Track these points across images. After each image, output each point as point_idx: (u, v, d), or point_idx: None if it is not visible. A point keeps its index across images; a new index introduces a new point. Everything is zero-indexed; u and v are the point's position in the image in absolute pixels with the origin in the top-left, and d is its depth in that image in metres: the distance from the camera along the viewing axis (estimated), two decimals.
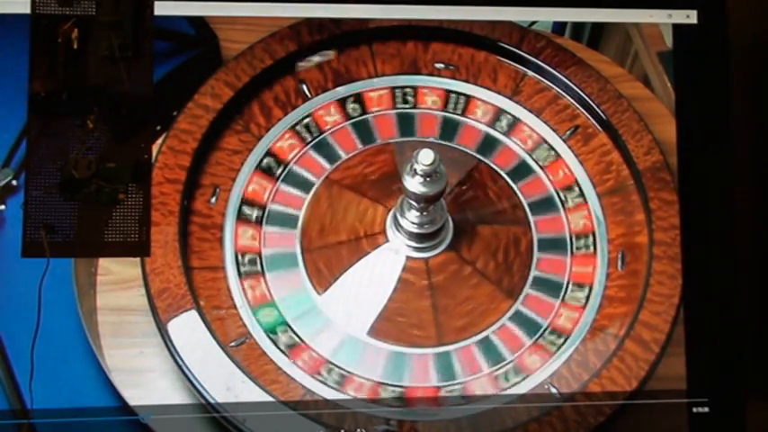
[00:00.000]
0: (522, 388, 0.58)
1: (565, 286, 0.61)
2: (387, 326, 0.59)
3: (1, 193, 0.58)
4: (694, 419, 0.59)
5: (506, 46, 0.64)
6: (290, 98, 0.63)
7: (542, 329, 0.60)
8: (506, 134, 0.64)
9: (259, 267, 0.59)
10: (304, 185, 0.61)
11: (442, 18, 0.63)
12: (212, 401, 0.56)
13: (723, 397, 0.59)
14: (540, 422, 0.58)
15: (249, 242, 0.60)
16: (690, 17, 0.64)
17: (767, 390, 0.62)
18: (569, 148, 0.63)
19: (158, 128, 0.60)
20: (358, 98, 0.63)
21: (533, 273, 0.61)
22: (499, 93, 0.64)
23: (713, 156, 0.63)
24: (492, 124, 0.64)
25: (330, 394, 0.57)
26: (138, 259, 0.58)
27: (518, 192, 0.62)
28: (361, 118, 0.63)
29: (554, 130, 0.64)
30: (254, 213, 0.60)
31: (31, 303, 0.57)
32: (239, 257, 0.59)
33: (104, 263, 0.58)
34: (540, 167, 0.63)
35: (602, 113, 0.63)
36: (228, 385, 0.57)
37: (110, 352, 0.57)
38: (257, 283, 0.59)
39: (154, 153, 0.60)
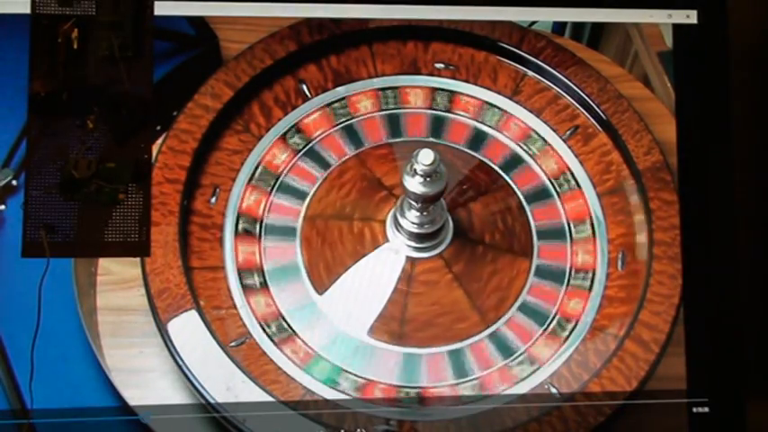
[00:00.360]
0: (540, 375, 0.59)
1: (567, 227, 0.61)
2: (434, 330, 0.59)
3: (1, 193, 0.58)
4: (694, 419, 0.59)
5: (506, 46, 0.64)
6: (290, 98, 0.63)
7: (568, 274, 0.60)
8: (449, 111, 0.64)
9: (289, 329, 0.59)
10: (287, 231, 0.61)
11: (442, 18, 0.63)
12: (212, 401, 0.56)
13: (723, 397, 0.59)
14: (540, 422, 0.58)
15: (266, 310, 0.59)
16: (690, 17, 0.64)
17: (767, 390, 0.62)
18: (569, 148, 0.63)
19: (158, 128, 0.60)
20: (299, 128, 0.63)
21: (534, 227, 0.61)
22: (499, 93, 0.64)
23: (713, 156, 0.63)
24: (430, 106, 0.64)
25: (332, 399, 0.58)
26: (138, 259, 0.58)
27: (484, 158, 0.63)
28: (309, 146, 0.63)
29: (554, 130, 0.64)
30: (256, 281, 0.60)
31: (31, 303, 0.57)
32: (265, 326, 0.59)
33: (104, 263, 0.58)
34: (495, 129, 0.63)
35: (602, 113, 0.63)
36: (228, 385, 0.57)
37: (110, 352, 0.57)
38: (294, 344, 0.59)
39: (154, 153, 0.60)
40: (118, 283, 0.58)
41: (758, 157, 0.66)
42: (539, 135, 0.63)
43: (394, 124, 0.63)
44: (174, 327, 0.57)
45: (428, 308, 0.60)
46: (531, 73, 0.64)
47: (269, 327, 0.59)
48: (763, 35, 0.67)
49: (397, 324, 0.59)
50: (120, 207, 0.58)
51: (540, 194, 0.62)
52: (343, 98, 0.63)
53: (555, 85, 0.64)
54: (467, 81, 0.64)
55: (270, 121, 0.62)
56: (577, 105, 0.64)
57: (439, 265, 0.61)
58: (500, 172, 0.63)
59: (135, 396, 0.56)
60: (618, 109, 0.63)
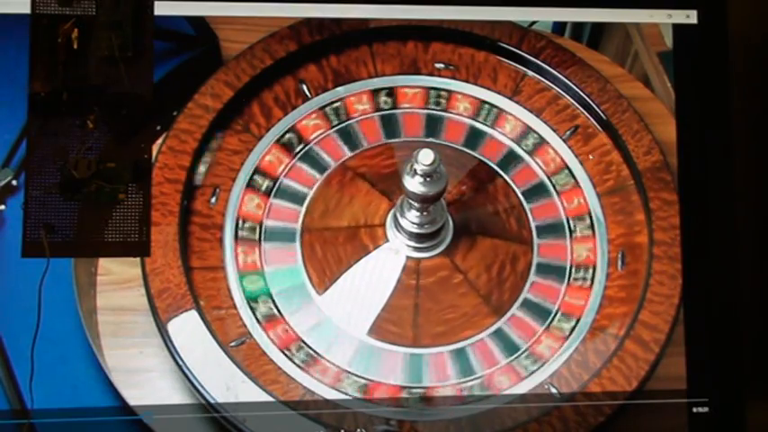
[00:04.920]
0: (528, 385, 0.59)
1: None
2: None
3: (1, 193, 0.58)
4: (694, 419, 0.59)
5: (506, 46, 0.64)
6: (290, 98, 0.63)
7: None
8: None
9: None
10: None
11: (442, 18, 0.63)
12: (212, 401, 0.56)
13: (723, 397, 0.59)
14: (540, 422, 0.58)
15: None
16: (690, 17, 0.64)
17: (767, 390, 0.62)
18: (569, 148, 0.63)
19: (158, 128, 0.60)
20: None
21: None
22: (499, 93, 0.64)
23: (713, 156, 0.63)
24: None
25: (331, 395, 0.58)
26: (138, 259, 0.58)
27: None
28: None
29: (554, 130, 0.64)
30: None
31: (31, 303, 0.57)
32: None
33: (104, 263, 0.58)
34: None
35: (602, 113, 0.63)
36: (228, 385, 0.57)
37: (110, 352, 0.57)
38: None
39: (154, 153, 0.60)
40: (118, 283, 0.58)
41: (758, 157, 0.66)
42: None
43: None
44: (174, 327, 0.57)
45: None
46: (531, 73, 0.64)
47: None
48: (763, 35, 0.67)
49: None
50: (120, 207, 0.58)
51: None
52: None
53: (555, 85, 0.64)
54: (467, 81, 0.64)
55: (270, 121, 0.62)
56: (577, 105, 0.64)
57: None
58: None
59: (135, 396, 0.56)
60: (618, 109, 0.63)
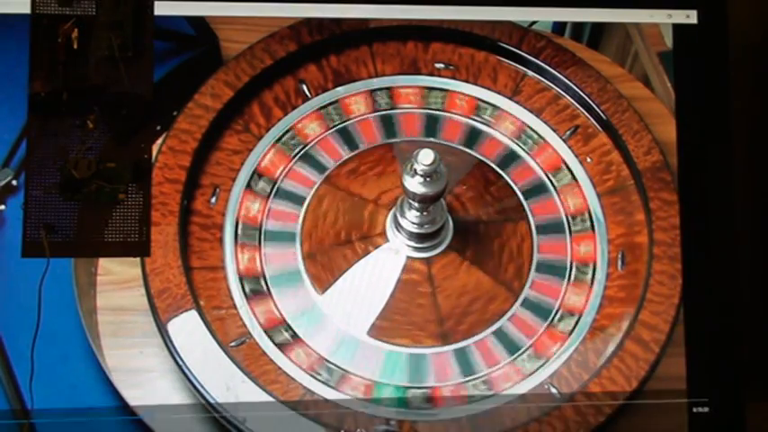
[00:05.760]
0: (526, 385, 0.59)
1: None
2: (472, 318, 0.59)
3: (1, 193, 0.58)
4: (694, 419, 0.59)
5: (506, 46, 0.64)
6: (290, 98, 0.63)
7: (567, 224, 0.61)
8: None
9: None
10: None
11: (442, 18, 0.63)
12: (212, 401, 0.56)
13: (723, 397, 0.59)
14: (540, 422, 0.58)
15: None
16: (690, 17, 0.64)
17: (767, 390, 0.62)
18: (569, 148, 0.63)
19: (158, 128, 0.60)
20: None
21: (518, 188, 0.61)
22: (499, 93, 0.64)
23: (713, 156, 0.63)
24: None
25: (330, 396, 0.58)
26: (138, 259, 0.58)
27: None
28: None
29: (554, 130, 0.64)
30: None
31: (31, 303, 0.57)
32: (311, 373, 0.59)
33: (104, 263, 0.58)
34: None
35: (602, 113, 0.63)
36: (228, 385, 0.57)
37: (110, 352, 0.57)
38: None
39: (154, 153, 0.60)
40: (118, 283, 0.58)
41: (758, 158, 0.66)
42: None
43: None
44: (174, 327, 0.57)
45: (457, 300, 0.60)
46: (531, 73, 0.64)
47: (315, 373, 0.59)
48: (763, 35, 0.67)
49: (434, 325, 0.59)
50: (120, 207, 0.58)
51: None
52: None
53: (555, 85, 0.64)
54: (467, 81, 0.64)
55: (270, 121, 0.62)
56: (577, 105, 0.64)
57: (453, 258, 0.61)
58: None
59: (135, 396, 0.56)
60: (618, 109, 0.63)
